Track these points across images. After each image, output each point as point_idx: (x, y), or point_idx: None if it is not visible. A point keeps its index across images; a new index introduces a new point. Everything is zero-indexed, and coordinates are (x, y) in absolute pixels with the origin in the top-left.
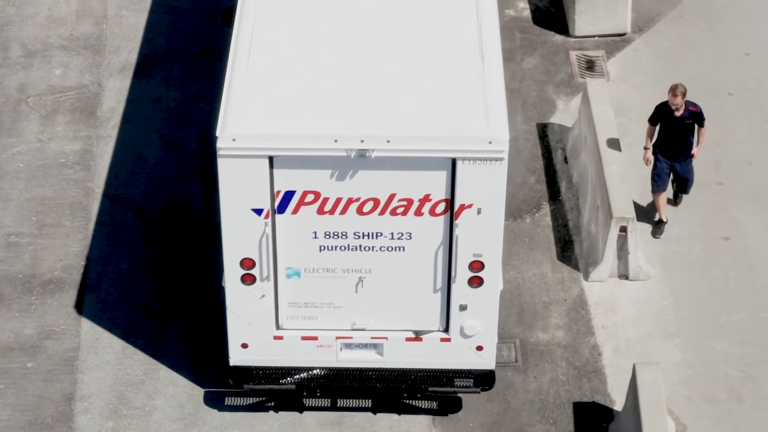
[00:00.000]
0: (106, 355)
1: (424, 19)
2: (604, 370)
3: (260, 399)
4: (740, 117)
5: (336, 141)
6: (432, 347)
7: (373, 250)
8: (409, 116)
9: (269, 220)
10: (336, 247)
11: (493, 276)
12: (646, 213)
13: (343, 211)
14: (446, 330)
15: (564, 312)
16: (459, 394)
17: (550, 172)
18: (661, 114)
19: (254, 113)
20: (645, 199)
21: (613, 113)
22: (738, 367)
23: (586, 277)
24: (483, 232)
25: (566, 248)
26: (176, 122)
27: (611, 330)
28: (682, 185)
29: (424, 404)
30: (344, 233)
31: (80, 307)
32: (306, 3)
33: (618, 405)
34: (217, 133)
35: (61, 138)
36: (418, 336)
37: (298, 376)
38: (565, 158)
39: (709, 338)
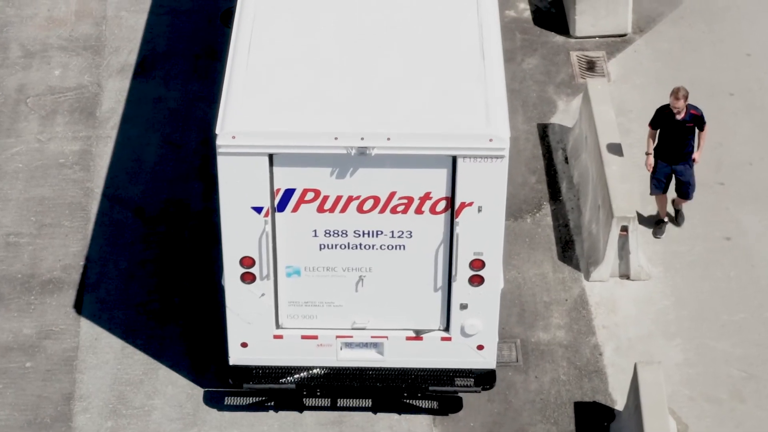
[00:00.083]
0: (105, 355)
1: (425, 17)
2: (605, 370)
3: (260, 398)
4: (741, 117)
5: (336, 138)
6: (432, 346)
7: (373, 248)
8: (409, 114)
9: (269, 218)
10: (336, 245)
11: (494, 275)
12: (647, 213)
13: (343, 210)
14: (447, 329)
15: (565, 312)
16: (459, 394)
17: (550, 172)
18: (662, 117)
19: (254, 111)
20: (646, 200)
21: (614, 113)
22: (740, 367)
23: (587, 276)
24: (484, 231)
25: (567, 248)
26: (176, 122)
27: (612, 330)
28: (683, 190)
29: (425, 404)
30: (344, 231)
31: (79, 307)
32: (306, 1)
33: (619, 405)
34: (217, 131)
35: (61, 138)
36: (418, 335)
37: (298, 375)
38: (566, 158)
39: (710, 338)
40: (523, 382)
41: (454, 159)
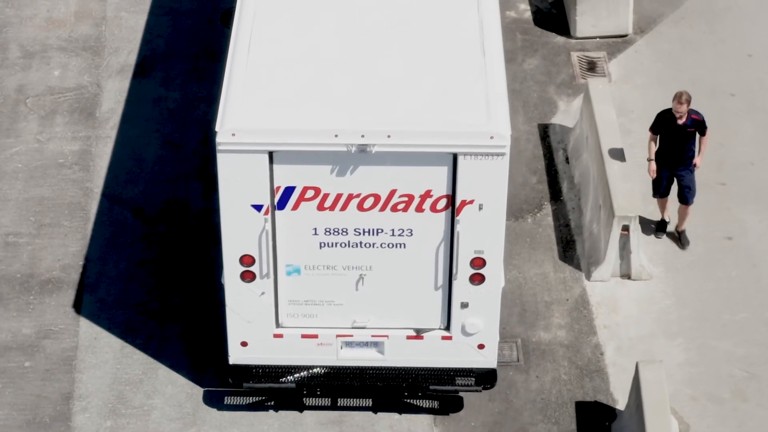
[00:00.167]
0: (104, 355)
1: (425, 14)
2: (607, 370)
3: (260, 398)
4: (743, 118)
5: (336, 136)
6: (433, 345)
7: (373, 246)
8: (409, 111)
9: (269, 216)
10: (336, 243)
11: (495, 273)
12: (648, 213)
13: (343, 208)
14: (447, 328)
15: (566, 311)
16: (460, 393)
17: (551, 172)
18: (663, 122)
19: (254, 108)
20: (647, 200)
21: (615, 113)
22: (742, 367)
23: (588, 276)
24: (484, 229)
25: (568, 248)
26: (176, 123)
27: (613, 329)
28: (684, 194)
29: (425, 403)
30: (344, 230)
31: (78, 307)
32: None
33: (620, 404)
34: (217, 128)
35: (60, 138)
36: (419, 334)
37: (298, 374)
38: (567, 158)
39: (712, 338)
40: (524, 381)
41: (455, 156)
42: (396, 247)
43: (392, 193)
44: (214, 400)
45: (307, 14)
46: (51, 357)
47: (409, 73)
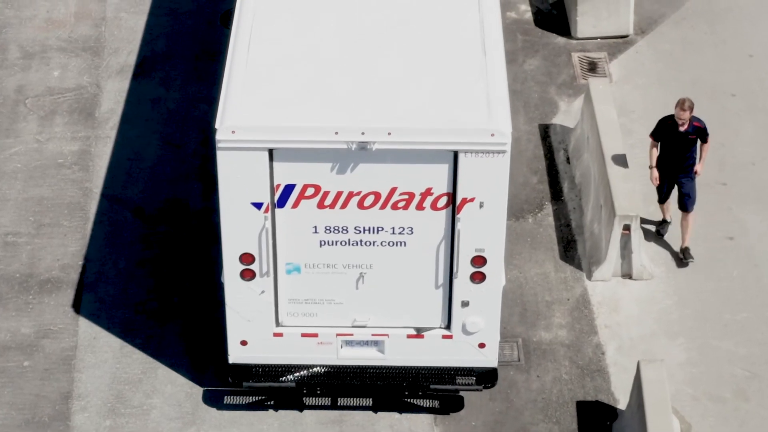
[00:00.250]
0: (103, 354)
1: (426, 14)
2: (608, 369)
3: (259, 397)
4: (744, 118)
5: (336, 133)
6: (434, 344)
7: (374, 245)
8: (410, 108)
9: (269, 214)
10: (336, 242)
11: (496, 271)
12: (649, 213)
13: (343, 206)
14: (448, 327)
15: (567, 311)
16: (461, 393)
17: (552, 172)
18: (665, 128)
19: (254, 105)
20: (648, 200)
21: (616, 113)
22: (743, 366)
23: (589, 276)
24: (485, 227)
25: (569, 248)
26: (175, 123)
27: (614, 329)
28: (683, 201)
29: (426, 403)
30: (345, 228)
31: (78, 306)
32: None
33: (622, 404)
34: (217, 125)
35: (59, 139)
36: (419, 333)
37: (298, 373)
38: (568, 159)
39: (713, 337)
40: (525, 381)
41: (456, 154)
42: (396, 245)
43: (393, 191)
44: (213, 399)
45: (307, 13)
46: (50, 356)
47: (409, 72)
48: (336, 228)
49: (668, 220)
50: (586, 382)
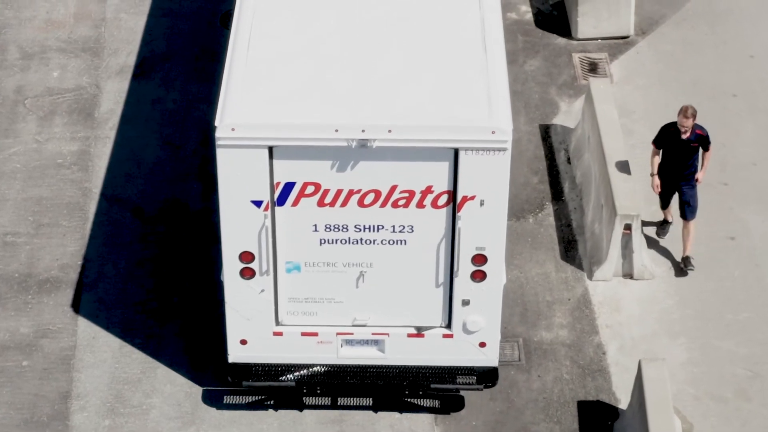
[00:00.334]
0: (102, 354)
1: (427, 10)
2: (609, 369)
3: (259, 397)
4: (745, 118)
5: (337, 131)
6: (434, 343)
7: (374, 243)
8: (410, 106)
9: (269, 212)
10: (336, 240)
11: (496, 270)
12: (650, 214)
13: (343, 204)
14: (448, 326)
15: (568, 311)
16: (461, 392)
17: (553, 172)
18: (667, 136)
19: (254, 103)
20: (649, 200)
21: (617, 113)
22: (745, 366)
23: (590, 276)
24: (486, 225)
25: (570, 248)
26: (175, 123)
27: (616, 329)
28: (684, 210)
29: (426, 402)
30: (345, 226)
31: (77, 306)
32: None
33: (623, 404)
34: (216, 123)
35: (59, 139)
36: (420, 332)
37: (298, 373)
38: (568, 159)
39: (714, 337)
40: (526, 381)
41: (456, 152)
42: (397, 243)
43: (393, 188)
44: (213, 399)
45: (308, 10)
46: (49, 356)
47: (410, 69)
48: (336, 226)
49: (669, 221)
50: (587, 382)
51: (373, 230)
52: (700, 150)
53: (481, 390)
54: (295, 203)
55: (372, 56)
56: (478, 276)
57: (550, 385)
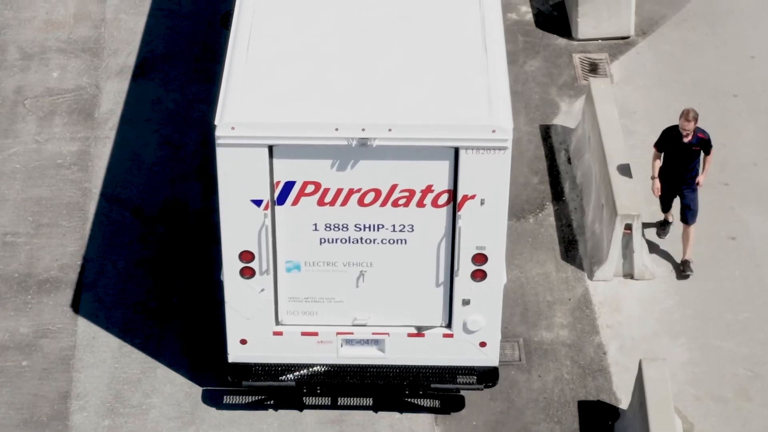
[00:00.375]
0: (102, 354)
1: (427, 9)
2: (610, 369)
3: (259, 397)
4: (746, 119)
5: (337, 129)
6: (434, 343)
7: (374, 242)
8: (411, 105)
9: (269, 211)
10: (337, 239)
11: (497, 269)
12: (651, 214)
13: (344, 203)
14: (449, 325)
15: (568, 311)
16: (462, 392)
17: (553, 172)
18: (668, 139)
19: (254, 102)
20: (650, 200)
21: (618, 113)
22: (745, 366)
23: (591, 276)
24: (486, 224)
25: (570, 248)
26: (175, 123)
27: (616, 329)
28: (684, 213)
29: (427, 402)
30: (345, 225)
31: (77, 306)
32: None
33: (623, 403)
34: (216, 122)
35: (59, 139)
36: (420, 332)
37: (298, 372)
38: (569, 159)
39: (715, 337)
40: (526, 381)
41: (457, 150)
42: (397, 243)
43: (393, 188)
44: (213, 399)
45: (308, 9)
46: (49, 356)
47: (410, 68)
48: (336, 225)
49: (670, 221)
50: (588, 382)
51: (374, 229)
52: (702, 153)
53: (482, 390)
54: (295, 202)
55: (372, 55)
56: (479, 275)
57: (550, 385)
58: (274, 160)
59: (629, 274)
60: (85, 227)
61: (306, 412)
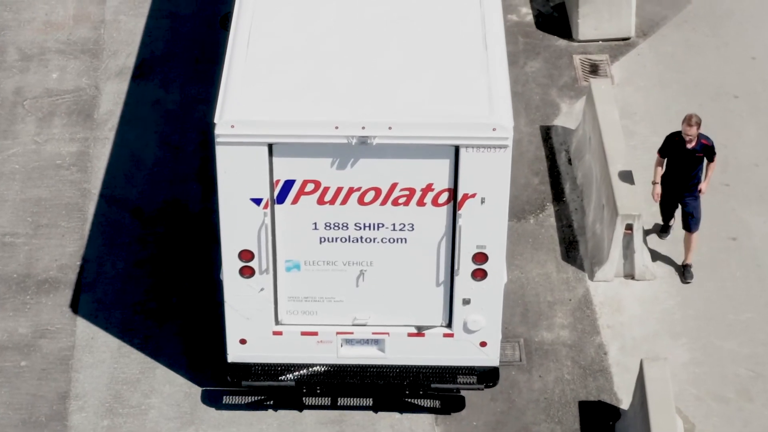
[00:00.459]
0: (101, 354)
1: (427, 7)
2: (610, 369)
3: (259, 397)
4: (746, 119)
5: (337, 128)
6: (434, 343)
7: (374, 241)
8: (411, 103)
9: (268, 210)
10: (336, 238)
11: (497, 269)
12: (651, 215)
13: (343, 202)
14: (449, 325)
15: (569, 311)
16: (462, 392)
17: (554, 173)
18: (672, 145)
19: (253, 100)
20: (650, 201)
21: (618, 113)
22: (747, 366)
23: (591, 276)
24: (487, 223)
25: (571, 248)
26: (174, 124)
27: (617, 329)
28: (686, 221)
29: (427, 402)
30: (345, 224)
31: (75, 307)
32: None
33: (624, 404)
34: (216, 120)
35: (58, 140)
36: (420, 331)
37: (297, 372)
38: (569, 160)
39: (716, 337)
40: (527, 381)
41: (457, 149)
42: (397, 242)
43: (393, 186)
44: (212, 399)
45: (308, 7)
46: (47, 356)
47: (410, 67)
48: (336, 224)
49: (671, 224)
50: (589, 382)
51: (374, 228)
52: (705, 160)
53: (482, 390)
54: (294, 201)
55: (372, 53)
56: (479, 275)
57: (551, 385)
58: (274, 159)
59: (630, 275)
60: (85, 228)
61: (306, 412)
